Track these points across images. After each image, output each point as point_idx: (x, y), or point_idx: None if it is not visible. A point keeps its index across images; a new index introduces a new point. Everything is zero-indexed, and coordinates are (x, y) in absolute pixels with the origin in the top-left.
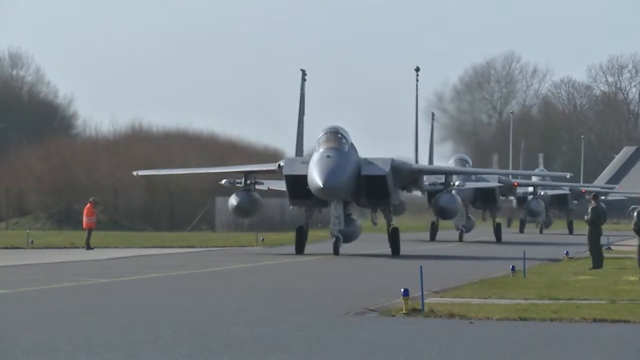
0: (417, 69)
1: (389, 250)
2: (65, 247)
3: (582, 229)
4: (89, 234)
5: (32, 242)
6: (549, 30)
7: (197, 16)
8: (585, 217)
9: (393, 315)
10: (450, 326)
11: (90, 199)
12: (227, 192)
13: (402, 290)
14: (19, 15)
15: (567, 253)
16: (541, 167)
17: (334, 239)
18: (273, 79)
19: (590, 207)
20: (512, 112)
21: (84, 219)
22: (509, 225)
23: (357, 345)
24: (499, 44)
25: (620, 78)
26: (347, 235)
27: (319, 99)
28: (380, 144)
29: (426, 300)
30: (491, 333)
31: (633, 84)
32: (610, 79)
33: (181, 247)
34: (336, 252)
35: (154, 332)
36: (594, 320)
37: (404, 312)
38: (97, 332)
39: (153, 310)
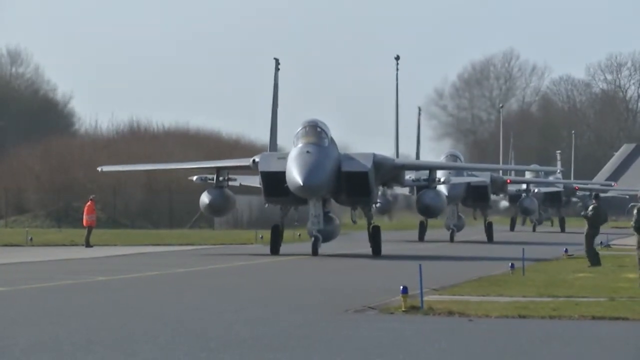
0: (397, 58)
1: (368, 250)
2: (64, 245)
3: (572, 226)
4: (89, 232)
5: (31, 239)
6: (548, 28)
7: (195, 15)
8: (583, 212)
9: (392, 313)
10: (449, 324)
11: (91, 197)
12: None
13: (401, 287)
14: (18, 13)
15: (566, 251)
16: (558, 165)
17: (313, 238)
18: (271, 77)
19: (592, 207)
20: (501, 106)
21: (85, 216)
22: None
23: (356, 343)
24: (498, 41)
25: (619, 76)
26: (326, 234)
27: (306, 93)
28: (372, 140)
29: (425, 298)
30: (490, 331)
31: (632, 81)
32: (609, 77)
33: (180, 244)
34: (315, 252)
35: (153, 330)
36: (593, 317)
37: (403, 309)
38: (96, 331)
39: (152, 309)
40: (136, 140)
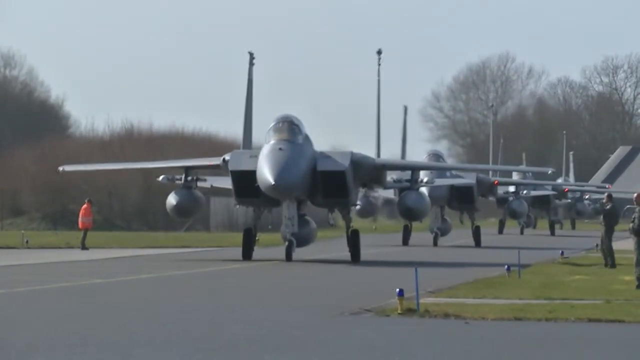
0: (379, 52)
1: (346, 255)
2: (60, 248)
3: (583, 229)
4: (85, 234)
5: (27, 242)
6: (544, 31)
7: (193, 14)
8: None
9: (388, 315)
10: (446, 326)
11: (87, 199)
12: (221, 192)
13: (397, 290)
14: (11, 15)
15: (562, 253)
16: (571, 167)
17: (287, 243)
18: (269, 76)
19: (611, 206)
20: (492, 105)
21: (81, 219)
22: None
23: (352, 345)
24: (494, 44)
25: (615, 78)
26: (301, 238)
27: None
28: (365, 140)
29: (421, 301)
30: (486, 333)
31: (628, 84)
32: (605, 80)
33: (176, 247)
34: (289, 257)
35: (149, 332)
36: (589, 320)
37: (399, 312)
38: (92, 333)
39: (148, 311)
40: (132, 142)
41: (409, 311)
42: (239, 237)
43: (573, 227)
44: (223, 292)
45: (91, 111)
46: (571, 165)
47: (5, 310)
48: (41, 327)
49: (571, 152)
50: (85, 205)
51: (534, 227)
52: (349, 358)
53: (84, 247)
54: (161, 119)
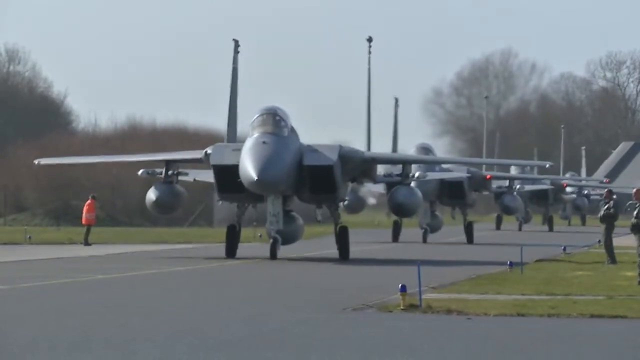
0: (370, 39)
1: (334, 253)
2: (63, 243)
3: (592, 225)
4: (89, 230)
5: (30, 238)
6: (547, 27)
7: (194, 12)
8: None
9: (390, 311)
10: (448, 322)
11: (92, 195)
12: None
13: (400, 285)
14: (15, 11)
15: (564, 249)
16: (583, 162)
17: (271, 240)
18: (269, 74)
19: (613, 211)
20: (486, 97)
21: (85, 215)
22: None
23: (354, 341)
24: (497, 40)
25: (619, 74)
26: (287, 235)
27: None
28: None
29: (424, 296)
30: (489, 329)
31: (631, 79)
32: (608, 75)
33: (179, 243)
34: (273, 255)
35: (152, 329)
36: (592, 316)
37: (402, 307)
38: (94, 329)
39: (150, 307)
40: (134, 138)
41: (412, 307)
42: (242, 232)
43: (583, 223)
44: (221, 290)
45: (94, 107)
46: (583, 160)
47: (7, 306)
48: (43, 324)
49: (583, 147)
50: (89, 201)
51: (543, 222)
52: (351, 355)
53: (87, 243)
54: (164, 114)
